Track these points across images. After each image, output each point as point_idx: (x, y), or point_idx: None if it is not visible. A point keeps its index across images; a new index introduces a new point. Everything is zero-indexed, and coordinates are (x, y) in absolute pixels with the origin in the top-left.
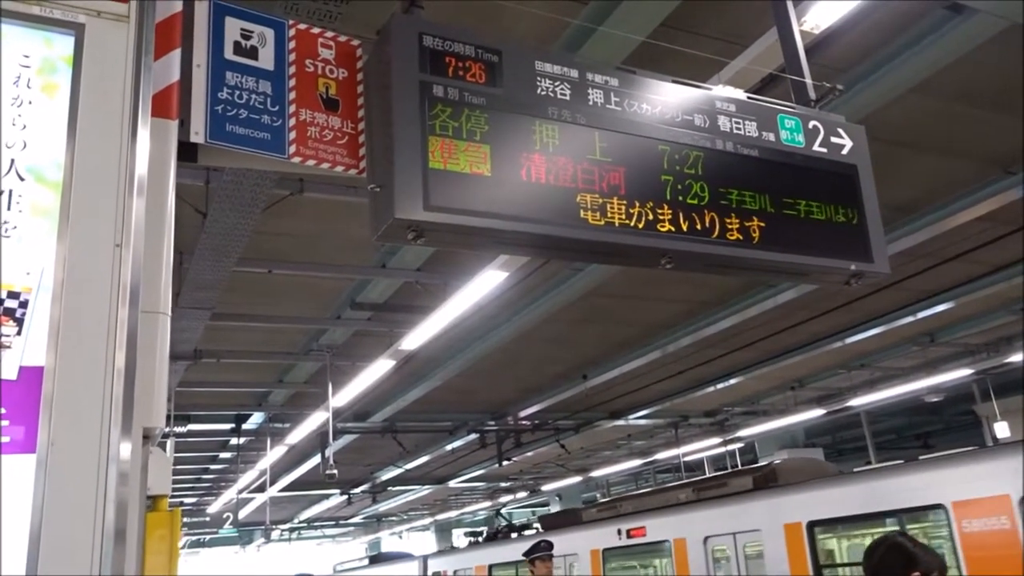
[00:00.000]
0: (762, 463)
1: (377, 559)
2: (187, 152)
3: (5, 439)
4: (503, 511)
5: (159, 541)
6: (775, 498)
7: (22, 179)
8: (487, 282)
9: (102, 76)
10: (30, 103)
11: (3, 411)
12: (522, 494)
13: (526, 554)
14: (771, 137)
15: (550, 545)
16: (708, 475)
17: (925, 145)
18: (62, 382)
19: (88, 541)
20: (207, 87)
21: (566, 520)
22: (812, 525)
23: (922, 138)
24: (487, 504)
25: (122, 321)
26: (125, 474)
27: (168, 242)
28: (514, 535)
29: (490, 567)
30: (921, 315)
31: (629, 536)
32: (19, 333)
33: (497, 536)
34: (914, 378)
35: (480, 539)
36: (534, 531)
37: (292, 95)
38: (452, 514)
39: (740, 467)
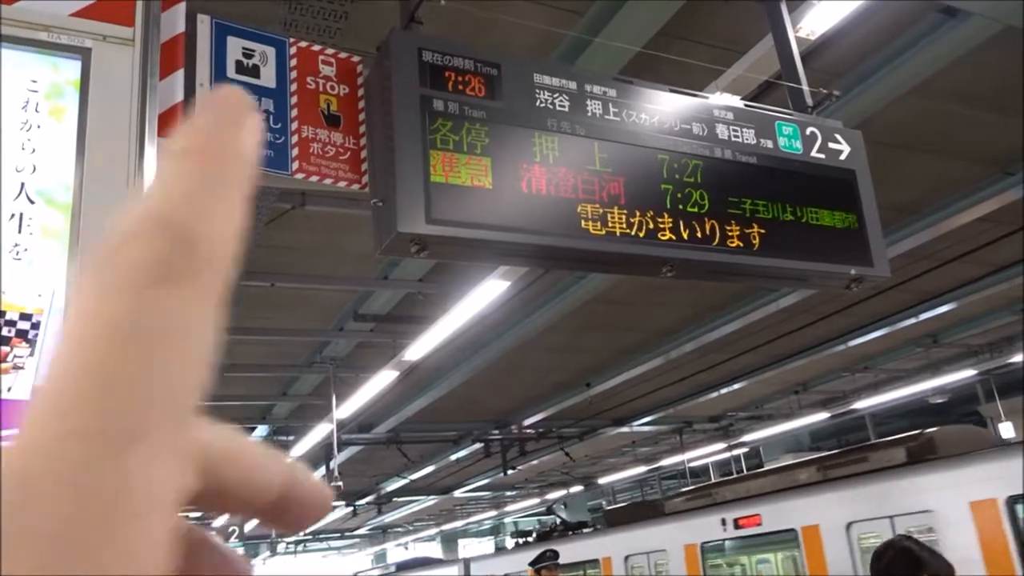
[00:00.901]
0: (913, 432)
1: (406, 566)
2: None
3: None
4: (555, 507)
5: None
6: (950, 471)
7: (32, 202)
8: (489, 292)
9: (109, 99)
10: (39, 127)
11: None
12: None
13: (532, 564)
14: (769, 144)
15: (556, 554)
16: (837, 451)
17: (924, 147)
18: None
19: None
20: None
21: (641, 513)
22: (1014, 501)
23: (921, 140)
24: (493, 513)
25: None
26: None
27: None
28: (571, 534)
29: None
30: (923, 316)
31: (738, 526)
32: (32, 354)
33: (552, 535)
34: (918, 380)
35: (531, 539)
36: (591, 529)
37: (294, 112)
38: (458, 524)
39: (885, 439)
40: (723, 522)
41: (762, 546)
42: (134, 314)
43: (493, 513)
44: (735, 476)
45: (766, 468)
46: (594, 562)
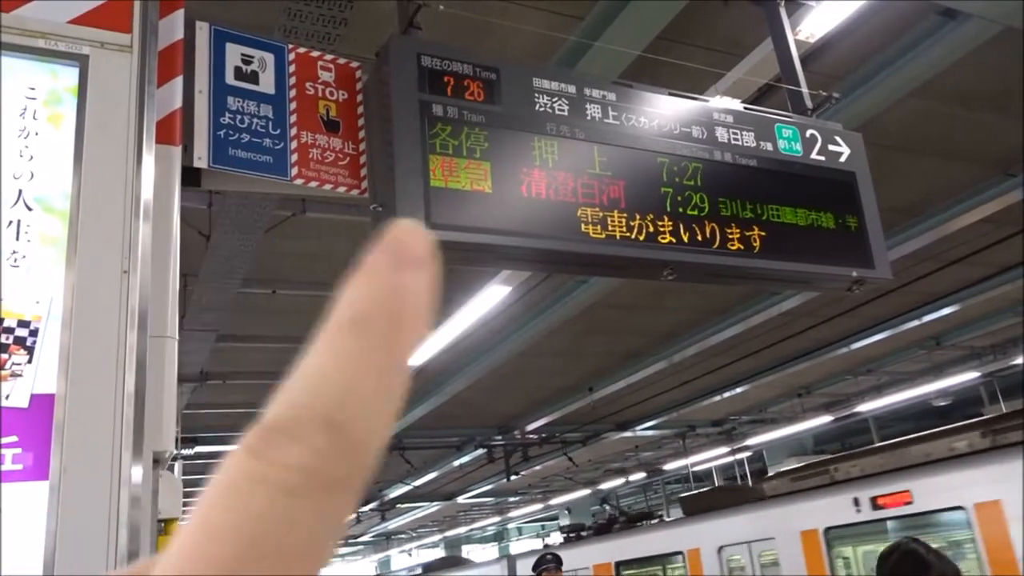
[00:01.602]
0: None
1: (433, 567)
2: (191, 177)
3: (18, 467)
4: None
5: None
6: None
7: (30, 209)
8: (491, 297)
9: (107, 105)
10: (37, 134)
11: (16, 439)
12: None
13: (533, 568)
14: (769, 147)
15: (557, 558)
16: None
17: (925, 149)
18: (73, 409)
19: (101, 566)
20: (209, 112)
21: (734, 497)
22: None
23: (921, 142)
24: (497, 519)
25: (131, 347)
26: (137, 498)
27: (174, 267)
28: (637, 525)
29: (617, 565)
30: (926, 319)
31: (877, 506)
32: (30, 361)
33: (612, 528)
34: (921, 382)
35: (585, 533)
36: (658, 519)
37: (293, 118)
38: (462, 530)
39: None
40: (855, 502)
41: (912, 530)
42: (282, 525)
43: (497, 519)
44: (869, 447)
45: (912, 436)
46: (675, 555)
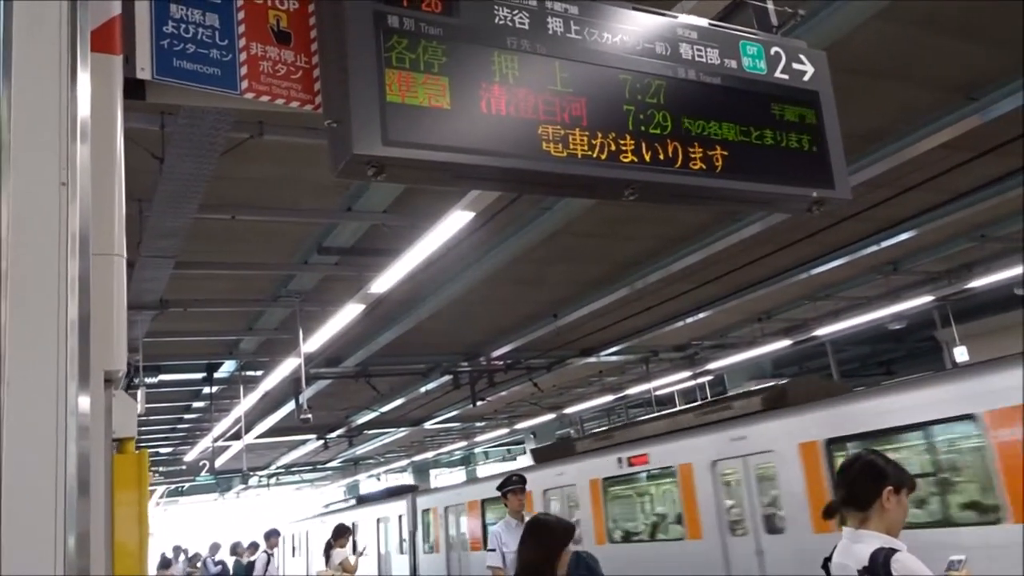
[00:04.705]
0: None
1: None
2: (135, 89)
3: None
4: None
5: (127, 482)
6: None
7: None
8: (454, 223)
9: (35, 8)
10: None
11: None
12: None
13: (499, 488)
14: (733, 64)
15: (522, 479)
16: None
17: (888, 73)
18: (14, 325)
19: (51, 483)
20: (151, 21)
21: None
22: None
23: (885, 66)
24: (463, 443)
25: (73, 263)
26: (86, 415)
27: (119, 182)
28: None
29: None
30: (884, 244)
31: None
32: None
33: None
34: (877, 307)
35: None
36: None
37: (241, 28)
38: (429, 455)
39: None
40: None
41: None
42: None
43: (463, 444)
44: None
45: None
46: None
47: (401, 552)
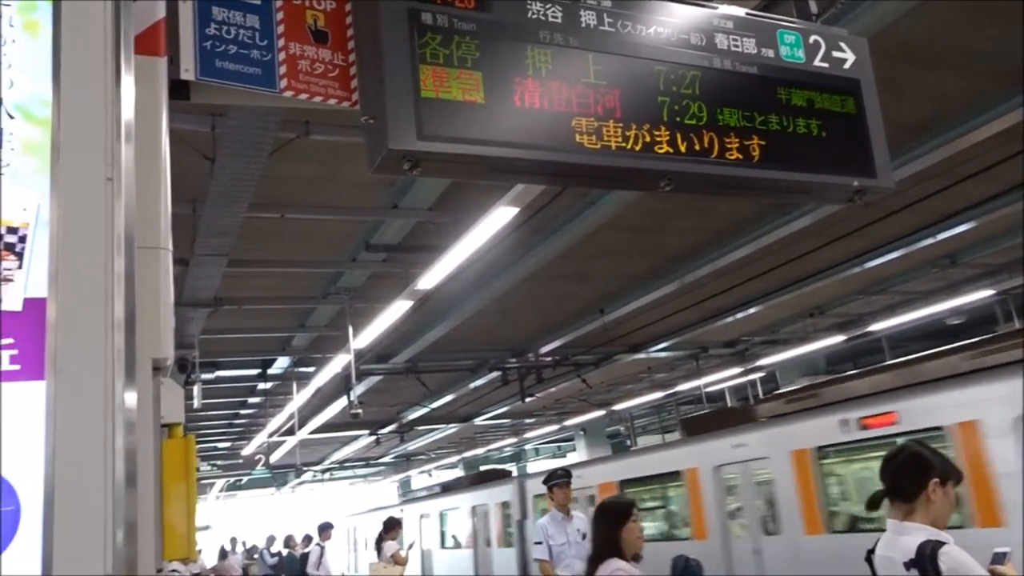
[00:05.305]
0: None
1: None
2: (179, 90)
3: (15, 367)
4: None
5: (176, 465)
6: None
7: (12, 117)
8: (498, 219)
9: (81, 12)
10: (13, 42)
11: (12, 340)
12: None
13: (545, 482)
14: (770, 53)
15: (568, 473)
16: None
17: (940, 60)
18: (64, 313)
19: (99, 464)
20: (194, 23)
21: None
22: None
23: (937, 53)
24: (513, 440)
25: (119, 255)
26: (134, 401)
27: (164, 178)
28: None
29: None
30: (941, 236)
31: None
32: (20, 267)
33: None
34: (935, 301)
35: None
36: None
37: (280, 28)
38: (479, 451)
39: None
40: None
41: None
42: None
43: (513, 440)
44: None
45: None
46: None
47: (507, 544)
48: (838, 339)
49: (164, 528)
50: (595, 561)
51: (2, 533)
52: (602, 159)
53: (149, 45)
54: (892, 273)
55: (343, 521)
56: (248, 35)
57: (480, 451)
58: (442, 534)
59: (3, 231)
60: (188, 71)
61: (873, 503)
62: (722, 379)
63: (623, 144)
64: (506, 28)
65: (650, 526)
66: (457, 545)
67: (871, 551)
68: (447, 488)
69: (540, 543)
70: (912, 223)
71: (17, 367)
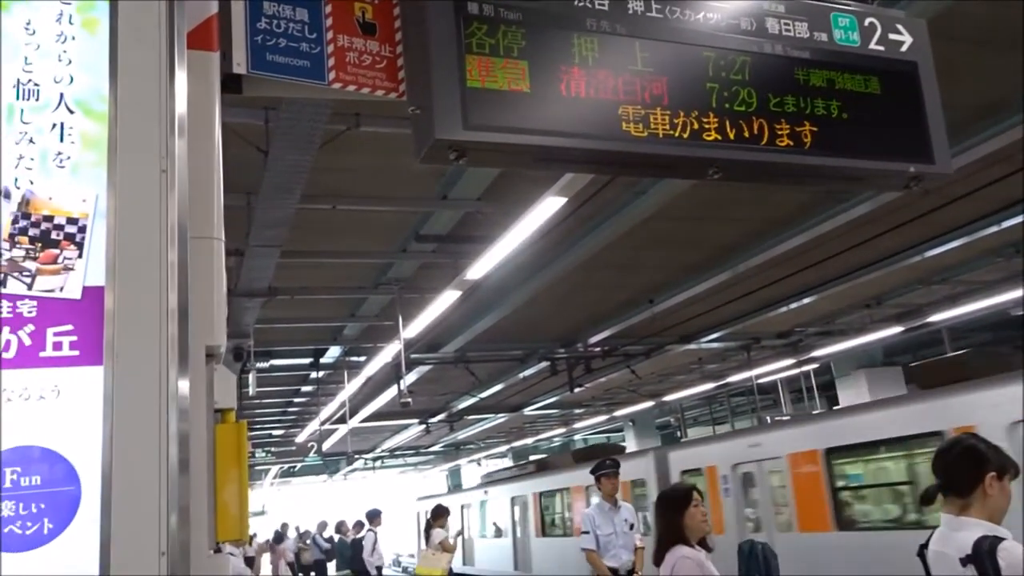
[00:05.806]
0: None
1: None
2: (232, 84)
3: (75, 353)
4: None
5: (228, 448)
6: None
7: (72, 112)
8: (547, 209)
9: (137, 10)
10: (73, 39)
11: (71, 327)
12: (598, 419)
13: (592, 472)
14: (823, 37)
15: (616, 463)
16: None
17: (1004, 42)
18: (121, 301)
19: (154, 447)
20: (246, 18)
21: None
22: None
23: (1000, 35)
24: (562, 430)
25: (173, 246)
26: (187, 387)
27: (217, 169)
28: None
29: None
30: (1006, 224)
31: None
32: (80, 256)
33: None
34: (999, 291)
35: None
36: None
37: (329, 21)
38: (528, 441)
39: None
40: None
41: None
42: None
43: (563, 430)
44: None
45: None
46: None
47: (641, 530)
48: (896, 330)
49: (217, 510)
50: (661, 550)
51: (65, 512)
52: (649, 147)
53: (202, 40)
54: (953, 262)
55: (414, 505)
56: (297, 28)
57: (530, 441)
58: (542, 521)
59: (64, 222)
60: (240, 65)
61: (927, 498)
62: (775, 370)
63: (670, 132)
64: (552, 17)
65: (873, 510)
66: (565, 534)
67: (923, 546)
68: (543, 467)
69: (588, 533)
70: (974, 211)
71: (76, 353)
